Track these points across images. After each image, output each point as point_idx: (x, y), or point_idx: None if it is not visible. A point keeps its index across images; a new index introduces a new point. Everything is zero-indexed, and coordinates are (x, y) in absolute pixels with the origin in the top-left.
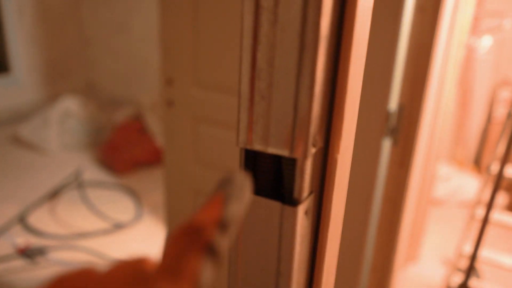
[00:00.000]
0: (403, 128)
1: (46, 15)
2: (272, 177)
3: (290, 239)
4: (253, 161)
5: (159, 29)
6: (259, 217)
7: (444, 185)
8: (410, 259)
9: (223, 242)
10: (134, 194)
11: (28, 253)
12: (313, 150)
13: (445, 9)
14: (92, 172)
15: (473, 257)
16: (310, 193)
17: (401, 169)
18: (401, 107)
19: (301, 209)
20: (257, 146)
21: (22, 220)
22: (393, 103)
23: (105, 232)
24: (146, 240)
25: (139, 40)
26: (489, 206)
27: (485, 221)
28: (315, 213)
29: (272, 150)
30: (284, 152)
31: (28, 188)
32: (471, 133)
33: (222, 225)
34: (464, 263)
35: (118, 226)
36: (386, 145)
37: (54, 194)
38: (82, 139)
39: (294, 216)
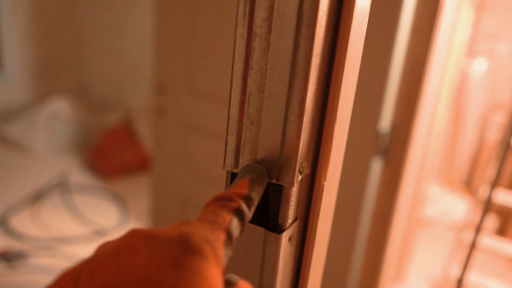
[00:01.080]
0: (395, 148)
1: (41, 14)
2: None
3: (273, 265)
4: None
5: (153, 34)
6: (242, 242)
7: (434, 206)
8: (397, 279)
9: (247, 210)
10: (119, 199)
11: (8, 257)
12: (299, 177)
13: (440, 31)
14: (78, 176)
15: (460, 281)
16: (295, 219)
17: (391, 189)
18: (394, 127)
19: (285, 236)
20: None
21: (2, 222)
22: (385, 123)
23: (88, 238)
24: None
25: (134, 44)
26: (477, 229)
27: (473, 245)
28: (299, 239)
29: None
30: (270, 179)
31: (12, 190)
32: (463, 154)
33: (247, 198)
34: (450, 286)
35: (102, 232)
36: (377, 165)
37: (37, 197)
38: (70, 141)
39: (277, 243)
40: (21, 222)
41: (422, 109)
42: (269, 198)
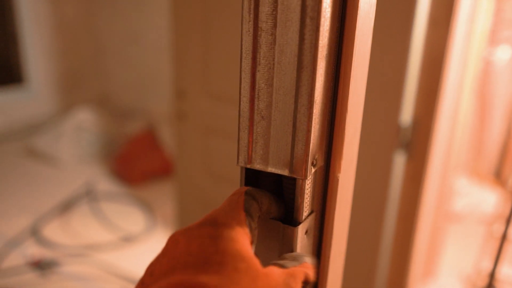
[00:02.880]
0: (418, 142)
1: (62, 27)
2: None
3: None
4: (254, 180)
5: (170, 41)
6: (260, 237)
7: (463, 200)
8: (428, 275)
9: (255, 192)
10: (146, 206)
11: (41, 266)
12: (313, 170)
13: (458, 21)
14: (105, 184)
15: (492, 275)
16: (311, 212)
17: (415, 184)
18: (416, 120)
19: (301, 229)
20: (257, 166)
21: (35, 232)
22: (407, 116)
23: (117, 245)
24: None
25: (153, 51)
26: (508, 221)
27: (504, 237)
28: (316, 232)
29: (272, 169)
30: (284, 172)
31: (42, 200)
32: (491, 145)
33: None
34: (483, 281)
35: (130, 238)
36: (400, 159)
37: (66, 206)
38: (96, 150)
39: (294, 236)
40: (52, 231)
41: (444, 101)
42: (284, 191)
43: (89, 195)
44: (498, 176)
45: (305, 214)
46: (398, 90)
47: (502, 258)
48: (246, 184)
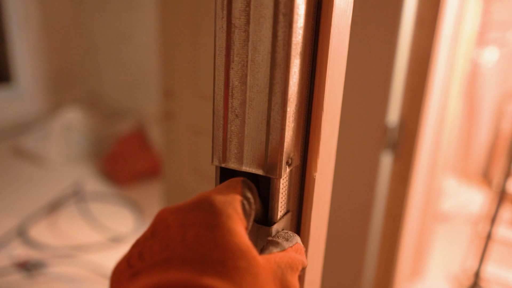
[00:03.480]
0: (405, 142)
1: (50, 26)
2: None
3: None
4: (229, 179)
5: (158, 41)
6: None
7: (451, 200)
8: (416, 275)
9: (251, 183)
10: (135, 206)
11: (28, 267)
12: (287, 169)
13: (444, 21)
14: (93, 184)
15: (477, 274)
16: (287, 212)
17: (402, 184)
18: (403, 120)
19: (275, 228)
20: (232, 165)
21: (21, 232)
22: (394, 116)
23: (105, 245)
24: None
25: (143, 51)
26: (492, 221)
27: (488, 236)
28: (293, 232)
29: (246, 168)
30: (258, 171)
31: (29, 200)
32: (479, 146)
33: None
34: (470, 280)
35: (119, 239)
36: (386, 159)
37: (54, 206)
38: (85, 150)
39: (268, 236)
40: (39, 232)
41: (430, 102)
42: (259, 191)
43: (77, 195)
44: (486, 177)
45: (280, 213)
46: (384, 90)
47: (488, 257)
48: (222, 183)
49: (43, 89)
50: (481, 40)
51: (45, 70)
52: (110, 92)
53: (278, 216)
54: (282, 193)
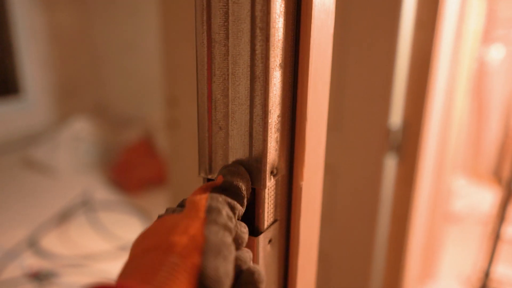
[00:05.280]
0: (408, 144)
1: (57, 36)
2: None
3: None
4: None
5: (163, 49)
6: None
7: (463, 200)
8: (427, 277)
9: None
10: (144, 214)
11: (39, 277)
12: (272, 179)
13: (445, 21)
14: (102, 193)
15: (487, 275)
16: (274, 221)
17: (407, 186)
18: (406, 122)
19: (263, 238)
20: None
21: (32, 243)
22: (396, 119)
23: (115, 254)
24: None
25: (149, 59)
26: (501, 221)
27: (497, 236)
28: (283, 241)
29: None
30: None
31: (39, 211)
32: (489, 144)
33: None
34: (481, 281)
35: (128, 248)
36: (391, 162)
37: (64, 216)
38: (93, 159)
39: (255, 245)
40: (50, 242)
41: (433, 102)
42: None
43: (86, 205)
44: (497, 176)
45: (267, 223)
46: (386, 93)
47: (498, 258)
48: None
49: (51, 100)
50: (487, 38)
51: (53, 81)
52: (117, 101)
53: (265, 226)
54: (268, 203)
